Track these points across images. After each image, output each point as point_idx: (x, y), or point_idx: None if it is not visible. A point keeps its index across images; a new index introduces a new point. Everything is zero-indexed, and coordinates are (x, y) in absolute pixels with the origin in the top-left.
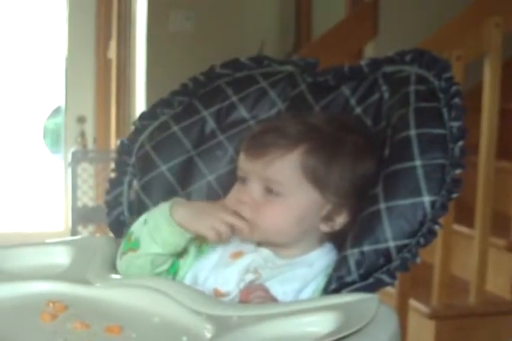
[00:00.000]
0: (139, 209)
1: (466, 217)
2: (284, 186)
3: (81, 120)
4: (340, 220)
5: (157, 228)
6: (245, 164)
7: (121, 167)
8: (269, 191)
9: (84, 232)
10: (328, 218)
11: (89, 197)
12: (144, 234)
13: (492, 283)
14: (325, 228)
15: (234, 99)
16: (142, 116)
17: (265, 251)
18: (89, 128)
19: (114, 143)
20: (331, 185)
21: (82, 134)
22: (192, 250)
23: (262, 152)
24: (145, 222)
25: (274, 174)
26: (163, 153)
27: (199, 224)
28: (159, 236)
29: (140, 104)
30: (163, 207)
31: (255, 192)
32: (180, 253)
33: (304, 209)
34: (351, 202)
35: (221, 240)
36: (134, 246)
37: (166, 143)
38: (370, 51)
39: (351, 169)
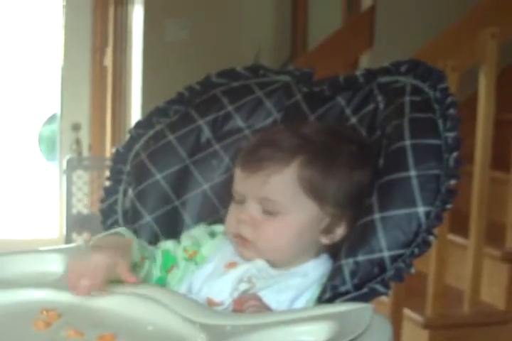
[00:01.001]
0: (133, 217)
1: (460, 227)
2: (281, 204)
3: (76, 127)
4: (340, 231)
5: None
6: (241, 182)
7: (116, 175)
8: (265, 211)
9: (79, 239)
10: (327, 230)
11: (83, 205)
12: None
13: (486, 294)
14: (325, 240)
15: (230, 108)
16: (138, 124)
17: (260, 262)
18: (85, 135)
19: (109, 150)
20: (328, 196)
21: (78, 141)
22: (182, 264)
23: (258, 166)
24: None
25: (270, 192)
26: (159, 161)
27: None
28: None
29: (135, 112)
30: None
31: (254, 212)
32: (168, 268)
33: (303, 224)
34: (349, 213)
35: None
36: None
37: (161, 151)
38: (365, 61)
39: (347, 178)
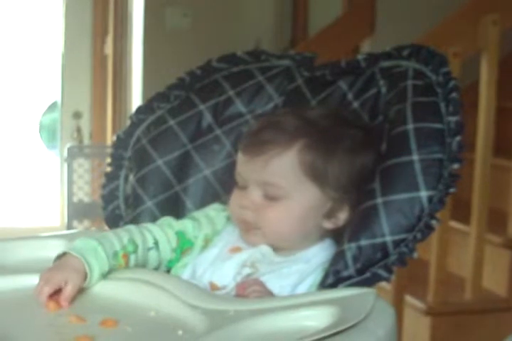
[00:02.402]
0: (134, 202)
1: (462, 213)
2: (283, 188)
3: (77, 115)
4: (343, 216)
5: None
6: (243, 166)
7: (117, 161)
8: (267, 196)
9: (80, 227)
10: (330, 214)
11: (84, 193)
12: None
13: (488, 280)
14: (328, 225)
15: (231, 93)
16: (139, 110)
17: (264, 248)
18: (86, 123)
19: (110, 138)
20: (330, 179)
21: (78, 130)
22: (197, 250)
23: (259, 150)
24: None
25: (271, 176)
26: (160, 147)
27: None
28: None
29: (136, 100)
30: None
31: (256, 197)
32: (184, 250)
33: (306, 208)
34: (351, 197)
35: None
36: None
37: (162, 137)
38: (366, 48)
39: (349, 163)
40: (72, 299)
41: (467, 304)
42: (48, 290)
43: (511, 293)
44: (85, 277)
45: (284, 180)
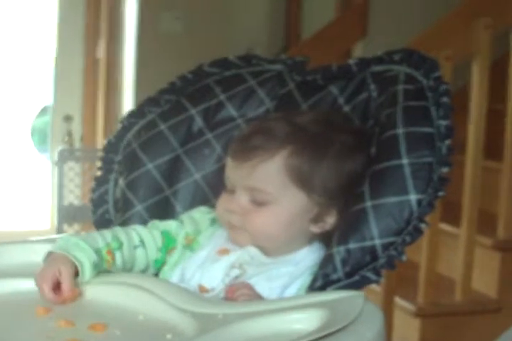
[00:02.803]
0: (124, 206)
1: (452, 215)
2: (269, 194)
3: (68, 119)
4: (331, 220)
5: None
6: (231, 171)
7: (107, 165)
8: (255, 201)
9: (70, 231)
10: (317, 219)
11: (75, 196)
12: None
13: (478, 282)
14: (315, 229)
15: (222, 97)
16: (130, 114)
17: (252, 249)
18: (77, 127)
19: (101, 142)
20: (316, 185)
21: (69, 133)
22: (179, 249)
23: (246, 156)
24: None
25: (258, 181)
26: (150, 151)
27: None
28: None
29: (128, 104)
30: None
31: (243, 202)
32: (169, 249)
33: (292, 213)
34: (339, 202)
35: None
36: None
37: (153, 141)
38: (359, 52)
39: (338, 168)
40: (73, 291)
41: (457, 306)
42: (47, 286)
43: (501, 295)
44: (76, 269)
45: (270, 186)
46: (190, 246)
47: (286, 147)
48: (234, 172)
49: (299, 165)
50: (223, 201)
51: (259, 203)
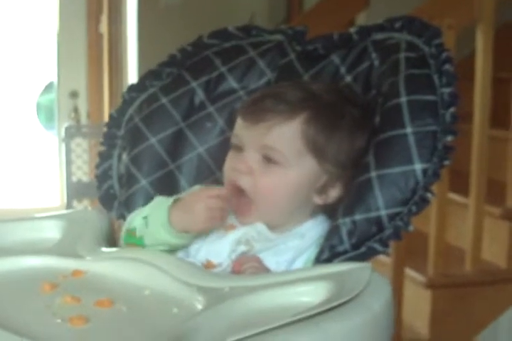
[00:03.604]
0: (128, 182)
1: (460, 185)
2: (283, 154)
3: (74, 95)
4: (334, 194)
5: (159, 233)
6: (242, 131)
7: (110, 140)
8: (267, 159)
9: (80, 207)
10: (322, 190)
11: (83, 172)
12: (147, 236)
13: (487, 252)
14: (318, 200)
15: (223, 69)
16: (131, 88)
17: (259, 225)
18: (83, 103)
19: (107, 117)
20: (329, 155)
21: (75, 109)
22: None
23: (261, 118)
24: (146, 222)
25: (273, 141)
26: (153, 125)
27: (194, 226)
28: (163, 241)
29: (132, 78)
30: (161, 211)
31: (252, 161)
32: None
33: (302, 179)
34: (345, 175)
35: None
36: (139, 243)
37: (155, 115)
38: (362, 22)
39: (349, 141)
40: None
41: (467, 276)
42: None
43: (511, 265)
44: None
45: (284, 147)
46: None
47: (302, 113)
48: (245, 131)
49: (314, 133)
50: (231, 160)
51: (269, 161)
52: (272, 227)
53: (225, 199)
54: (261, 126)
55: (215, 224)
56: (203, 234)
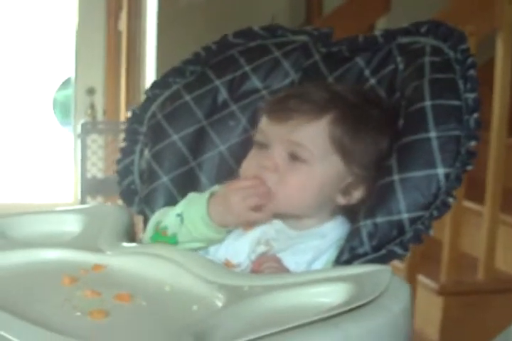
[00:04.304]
0: (150, 178)
1: (476, 193)
2: (310, 152)
3: (91, 92)
4: (357, 195)
5: (196, 228)
6: (268, 128)
7: (132, 136)
8: (294, 157)
9: (93, 203)
10: (346, 191)
11: (98, 169)
12: (182, 232)
13: (501, 260)
14: (341, 200)
15: (247, 68)
16: (154, 85)
17: (278, 223)
18: (99, 99)
19: (123, 114)
20: (355, 156)
21: (92, 106)
22: None
23: (288, 116)
24: (181, 219)
25: (301, 138)
26: (175, 122)
27: (231, 219)
28: (200, 235)
29: (150, 76)
30: (198, 205)
31: (279, 158)
32: None
33: (327, 178)
34: (369, 177)
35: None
36: (171, 241)
37: (177, 112)
38: (382, 27)
39: (373, 143)
40: None
41: (480, 284)
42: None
43: None
44: None
45: (312, 145)
46: None
47: (328, 113)
48: (271, 129)
49: (341, 134)
50: (255, 157)
51: (298, 159)
52: (291, 225)
53: (258, 187)
54: (288, 124)
55: (257, 217)
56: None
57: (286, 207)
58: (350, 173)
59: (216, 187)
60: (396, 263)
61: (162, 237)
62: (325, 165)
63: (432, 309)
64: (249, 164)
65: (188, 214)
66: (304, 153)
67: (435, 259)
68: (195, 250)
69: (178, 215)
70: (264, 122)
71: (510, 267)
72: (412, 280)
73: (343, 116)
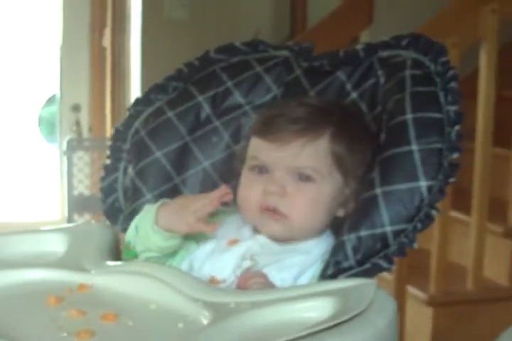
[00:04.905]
0: (134, 195)
1: (463, 203)
2: (317, 172)
3: (76, 108)
4: (352, 205)
5: (147, 237)
6: (264, 152)
7: (115, 153)
8: (302, 178)
9: (81, 221)
10: (345, 204)
11: (85, 186)
12: (138, 242)
13: (489, 270)
14: (341, 213)
15: (229, 84)
16: (137, 102)
17: (262, 238)
18: (85, 116)
19: (109, 131)
20: (352, 169)
21: (77, 122)
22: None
23: (284, 138)
24: (136, 230)
25: (306, 161)
26: (159, 139)
27: (180, 226)
28: (152, 244)
29: (135, 92)
30: (149, 214)
31: (284, 181)
32: None
33: (332, 195)
34: (360, 189)
35: (212, 230)
36: (133, 254)
37: (161, 129)
38: (365, 39)
39: (363, 154)
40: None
41: (469, 294)
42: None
43: None
44: None
45: (319, 166)
46: (192, 236)
47: (326, 130)
48: (272, 153)
49: (341, 149)
50: (257, 183)
51: (304, 179)
52: (275, 241)
53: (215, 205)
54: (289, 147)
55: (203, 229)
56: (192, 241)
57: (301, 228)
58: (347, 186)
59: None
60: (385, 274)
61: (129, 252)
62: (329, 182)
63: (421, 320)
64: (252, 191)
65: (141, 224)
66: (310, 174)
67: (424, 270)
68: (156, 261)
69: (136, 227)
70: (258, 145)
71: (498, 276)
72: (401, 292)
73: (338, 132)
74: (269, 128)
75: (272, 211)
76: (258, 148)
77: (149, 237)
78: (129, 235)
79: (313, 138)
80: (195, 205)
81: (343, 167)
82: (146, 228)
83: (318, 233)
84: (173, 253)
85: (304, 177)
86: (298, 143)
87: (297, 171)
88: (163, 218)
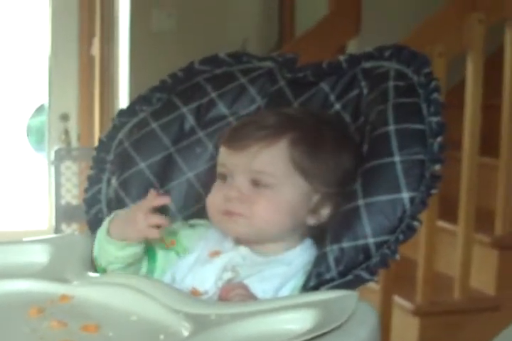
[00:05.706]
0: (117, 206)
1: (449, 213)
2: (273, 177)
3: (64, 118)
4: (325, 212)
5: (104, 249)
6: (227, 158)
7: (99, 164)
8: (256, 184)
9: (68, 230)
10: (315, 210)
11: (72, 195)
12: (100, 257)
13: (476, 280)
14: (312, 221)
15: (213, 95)
16: (121, 113)
17: (243, 249)
18: (73, 125)
19: (97, 141)
20: (317, 175)
21: (66, 132)
22: (160, 254)
23: (245, 144)
24: (98, 245)
25: (261, 165)
26: (142, 150)
27: (131, 232)
28: (109, 255)
29: (123, 102)
30: (103, 226)
31: (243, 186)
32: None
33: (295, 200)
34: (334, 195)
35: (157, 236)
36: (103, 271)
37: (145, 140)
38: (353, 48)
39: (334, 161)
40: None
41: (456, 304)
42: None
43: (499, 293)
44: None
45: (275, 169)
46: (173, 249)
47: (285, 136)
48: (231, 158)
49: (301, 153)
50: (219, 189)
51: (262, 185)
52: (257, 251)
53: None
54: (247, 151)
55: (154, 234)
56: (173, 254)
57: (263, 232)
58: (316, 191)
59: (177, 222)
60: (371, 284)
61: (98, 268)
62: (289, 186)
63: (408, 330)
64: (215, 197)
65: (97, 237)
66: (267, 179)
67: (410, 279)
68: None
69: (97, 241)
70: (222, 153)
71: (485, 286)
72: (387, 301)
73: (300, 137)
74: (235, 135)
75: (232, 213)
76: (224, 156)
77: (105, 249)
78: (95, 251)
79: (271, 143)
80: (144, 211)
81: (305, 172)
82: (101, 240)
83: (295, 241)
84: (139, 261)
85: (258, 184)
86: (254, 148)
87: (253, 176)
88: (115, 228)
